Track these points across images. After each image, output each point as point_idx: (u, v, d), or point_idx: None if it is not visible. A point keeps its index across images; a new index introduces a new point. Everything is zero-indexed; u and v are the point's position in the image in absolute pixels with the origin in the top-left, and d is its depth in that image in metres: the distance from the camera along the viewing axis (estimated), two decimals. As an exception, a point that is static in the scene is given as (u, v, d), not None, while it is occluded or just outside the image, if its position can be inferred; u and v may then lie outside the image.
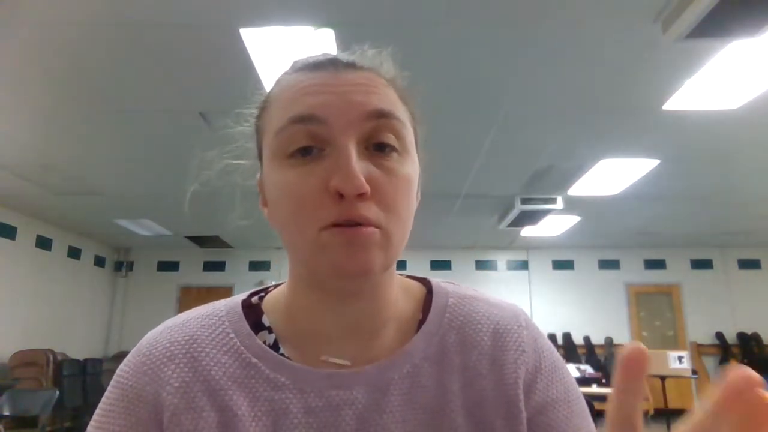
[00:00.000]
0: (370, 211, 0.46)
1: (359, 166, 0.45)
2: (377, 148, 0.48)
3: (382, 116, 0.48)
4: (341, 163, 0.45)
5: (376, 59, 0.53)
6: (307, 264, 0.50)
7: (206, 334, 0.53)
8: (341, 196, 0.45)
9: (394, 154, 0.48)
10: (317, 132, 0.47)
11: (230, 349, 0.52)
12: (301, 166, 0.47)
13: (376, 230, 0.46)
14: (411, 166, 0.50)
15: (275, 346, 0.53)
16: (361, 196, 0.45)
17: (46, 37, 2.85)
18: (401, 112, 0.50)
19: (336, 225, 0.45)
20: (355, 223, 0.45)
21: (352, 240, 0.45)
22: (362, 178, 0.44)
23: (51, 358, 6.17)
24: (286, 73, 0.53)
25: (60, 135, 4.18)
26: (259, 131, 0.54)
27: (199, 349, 0.52)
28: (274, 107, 0.51)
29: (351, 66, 0.50)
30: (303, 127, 0.47)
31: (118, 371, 0.53)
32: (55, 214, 6.60)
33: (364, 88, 0.49)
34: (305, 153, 0.47)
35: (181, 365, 0.50)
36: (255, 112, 0.55)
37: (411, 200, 0.50)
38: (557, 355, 0.57)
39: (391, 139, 0.48)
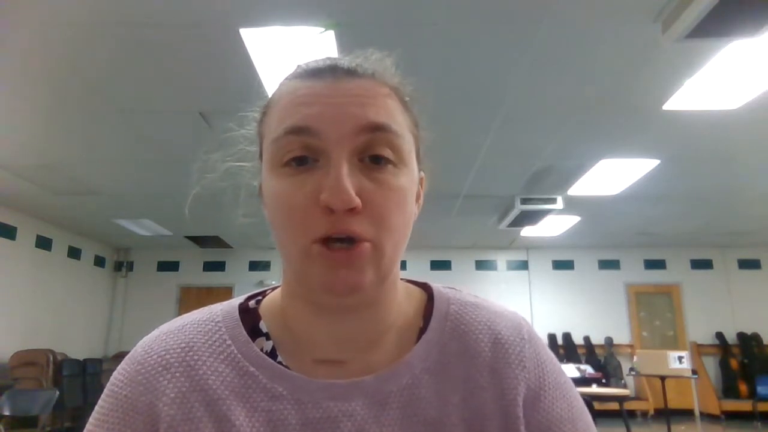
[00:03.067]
0: (360, 225, 0.45)
1: (350, 180, 0.45)
2: (372, 161, 0.47)
3: (377, 129, 0.47)
4: (332, 177, 0.45)
5: (379, 65, 0.52)
6: (296, 274, 0.50)
7: (202, 341, 0.52)
8: (332, 210, 0.44)
9: (389, 167, 0.48)
10: (311, 143, 0.46)
11: (227, 357, 0.51)
12: (294, 176, 0.47)
13: (367, 245, 0.46)
14: (406, 178, 0.49)
15: (273, 353, 0.52)
16: (352, 210, 0.45)
17: (46, 37, 2.85)
18: (399, 122, 0.49)
19: (326, 241, 0.45)
20: (346, 239, 0.45)
21: (343, 260, 0.45)
22: (352, 193, 0.44)
23: (51, 358, 6.17)
24: (287, 78, 0.52)
25: (59, 135, 4.18)
26: (260, 135, 0.54)
27: (196, 357, 0.51)
28: (273, 113, 0.51)
29: (351, 74, 0.49)
30: (297, 138, 0.47)
31: (111, 379, 0.52)
32: (55, 214, 6.60)
33: (360, 99, 0.48)
34: (300, 163, 0.47)
35: (177, 374, 0.50)
36: (257, 116, 0.55)
37: (405, 212, 0.49)
38: (560, 369, 0.56)
39: (386, 152, 0.47)
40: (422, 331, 0.54)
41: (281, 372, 0.50)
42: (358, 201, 0.45)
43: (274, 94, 0.52)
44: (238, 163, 0.57)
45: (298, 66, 0.52)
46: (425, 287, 0.60)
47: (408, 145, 0.50)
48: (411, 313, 0.56)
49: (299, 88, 0.49)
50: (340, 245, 0.45)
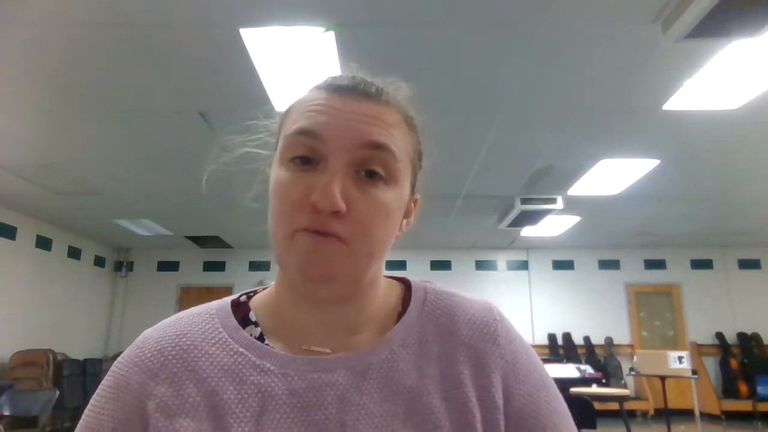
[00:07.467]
0: (340, 227, 0.50)
1: (341, 187, 0.50)
2: (367, 175, 0.52)
3: (376, 148, 0.52)
4: (324, 180, 0.50)
5: (396, 92, 0.58)
6: (279, 258, 0.54)
7: (196, 329, 0.58)
8: (318, 209, 0.49)
9: (380, 183, 0.53)
10: (315, 146, 0.52)
11: (218, 341, 0.56)
12: (296, 172, 0.52)
13: (342, 244, 0.50)
14: (393, 195, 0.54)
15: (261, 338, 0.57)
16: (336, 213, 0.49)
17: (46, 37, 2.85)
18: (400, 147, 0.54)
19: (308, 230, 0.50)
20: (325, 233, 0.50)
21: (317, 247, 0.50)
22: (338, 198, 0.49)
23: (51, 358, 6.17)
24: (315, 86, 0.58)
25: (60, 135, 4.18)
26: (279, 130, 0.59)
27: (188, 342, 0.56)
28: (292, 114, 0.57)
29: (367, 96, 0.55)
30: (305, 139, 0.52)
31: (114, 363, 0.58)
32: (55, 214, 6.60)
33: (368, 119, 0.53)
34: (304, 162, 0.52)
35: (170, 357, 0.55)
36: (282, 113, 0.60)
37: (387, 225, 0.54)
38: (528, 345, 0.62)
39: (379, 169, 0.52)
40: (401, 315, 0.60)
41: (269, 351, 0.55)
42: (342, 206, 0.49)
43: (299, 98, 0.58)
44: (255, 150, 0.63)
45: (328, 77, 0.58)
46: (403, 280, 0.66)
47: (404, 169, 0.56)
48: (391, 301, 0.62)
49: (318, 98, 0.55)
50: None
